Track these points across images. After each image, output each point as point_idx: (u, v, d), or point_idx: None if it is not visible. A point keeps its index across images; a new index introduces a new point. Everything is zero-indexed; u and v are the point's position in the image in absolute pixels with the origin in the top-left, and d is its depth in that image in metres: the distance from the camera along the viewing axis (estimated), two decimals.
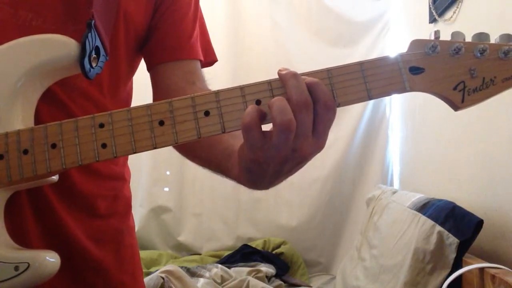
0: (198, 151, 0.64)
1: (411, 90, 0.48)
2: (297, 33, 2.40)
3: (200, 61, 0.74)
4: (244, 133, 0.44)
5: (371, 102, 2.35)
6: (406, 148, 2.19)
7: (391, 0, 2.34)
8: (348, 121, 2.32)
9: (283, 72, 0.45)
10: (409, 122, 2.14)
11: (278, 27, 2.40)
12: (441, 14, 1.58)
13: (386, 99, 2.35)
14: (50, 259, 0.51)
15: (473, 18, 1.37)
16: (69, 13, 0.58)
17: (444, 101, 0.49)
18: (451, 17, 1.49)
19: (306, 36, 2.39)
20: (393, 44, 2.30)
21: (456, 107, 0.48)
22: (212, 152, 0.59)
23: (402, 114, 2.24)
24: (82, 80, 0.59)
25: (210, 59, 0.78)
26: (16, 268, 0.48)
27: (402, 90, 0.47)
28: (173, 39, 0.70)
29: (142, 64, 0.74)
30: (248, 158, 0.46)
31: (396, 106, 2.32)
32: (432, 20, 1.66)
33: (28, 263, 0.49)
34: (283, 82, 0.45)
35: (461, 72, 0.47)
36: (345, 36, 2.38)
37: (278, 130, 0.42)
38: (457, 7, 1.45)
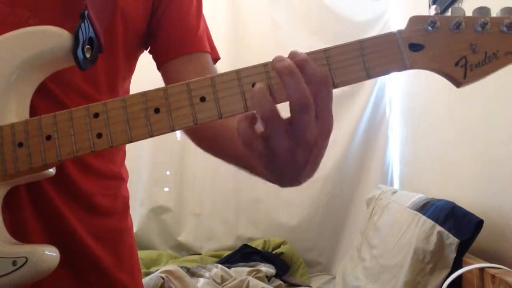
0: (221, 146, 0.63)
1: (411, 67, 0.46)
2: (297, 32, 2.39)
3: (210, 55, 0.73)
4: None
5: (371, 101, 2.35)
6: (406, 148, 2.18)
7: (391, 0, 2.34)
8: (348, 121, 2.32)
9: (279, 66, 0.43)
10: (409, 122, 2.14)
11: (278, 27, 2.40)
12: (441, 14, 1.58)
13: (386, 98, 2.35)
14: (49, 253, 0.50)
15: None
16: (67, 12, 0.58)
17: (446, 78, 0.47)
18: None
19: (306, 36, 2.38)
20: None
21: (458, 84, 0.46)
22: (236, 148, 0.56)
23: (402, 114, 2.24)
24: (78, 78, 0.58)
25: (213, 57, 0.77)
26: (14, 263, 0.47)
27: (402, 67, 0.46)
28: (179, 34, 0.69)
29: (142, 64, 0.74)
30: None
31: (396, 106, 2.32)
32: None
33: (26, 257, 0.48)
34: (279, 77, 0.43)
35: (462, 47, 0.46)
36: (345, 36, 2.36)
37: (270, 131, 0.42)
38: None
